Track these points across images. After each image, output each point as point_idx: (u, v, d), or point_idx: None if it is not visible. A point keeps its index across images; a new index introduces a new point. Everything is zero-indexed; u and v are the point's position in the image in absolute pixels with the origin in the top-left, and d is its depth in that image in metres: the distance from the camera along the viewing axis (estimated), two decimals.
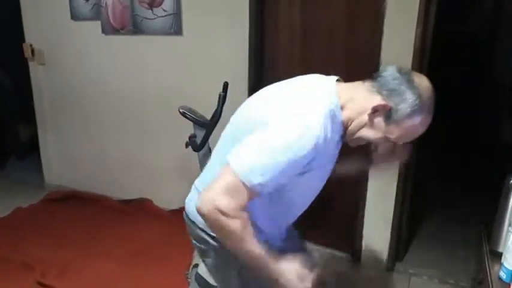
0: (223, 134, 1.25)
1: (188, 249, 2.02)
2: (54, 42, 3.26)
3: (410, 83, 1.01)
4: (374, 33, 2.23)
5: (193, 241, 1.29)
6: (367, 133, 1.08)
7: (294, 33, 2.52)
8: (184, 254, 2.33)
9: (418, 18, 2.12)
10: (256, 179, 0.99)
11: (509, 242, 1.14)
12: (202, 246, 1.25)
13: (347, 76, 2.56)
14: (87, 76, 3.21)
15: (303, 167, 1.04)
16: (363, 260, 2.58)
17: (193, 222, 1.24)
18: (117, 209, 3.17)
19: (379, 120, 1.05)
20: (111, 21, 2.92)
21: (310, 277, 1.08)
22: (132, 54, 2.98)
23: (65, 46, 3.23)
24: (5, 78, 4.03)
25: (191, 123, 2.29)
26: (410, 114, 1.01)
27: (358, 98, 1.08)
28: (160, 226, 2.85)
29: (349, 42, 2.38)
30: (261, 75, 2.63)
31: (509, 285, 1.10)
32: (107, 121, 3.25)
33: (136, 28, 2.85)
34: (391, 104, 1.02)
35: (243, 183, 0.99)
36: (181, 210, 1.34)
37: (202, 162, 2.25)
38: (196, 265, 1.98)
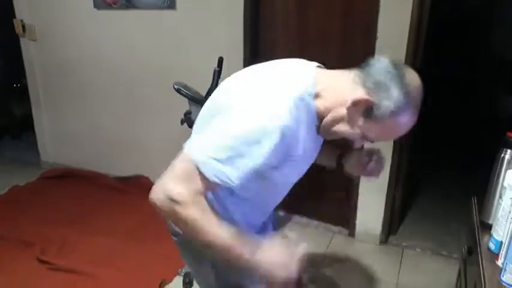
0: (198, 117, 1.13)
1: None
2: (45, 17, 3.20)
3: (400, 78, 0.91)
4: (371, 6, 2.20)
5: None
6: (344, 128, 0.98)
7: (290, 5, 2.48)
8: None
9: None
10: (210, 168, 0.90)
11: (499, 214, 1.16)
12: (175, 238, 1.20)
13: (344, 49, 2.54)
14: (80, 52, 3.16)
15: (270, 161, 0.93)
16: (357, 233, 2.63)
17: None
18: (114, 186, 3.19)
19: (358, 116, 0.95)
20: None
21: (294, 262, 0.96)
22: (125, 29, 2.93)
23: (56, 21, 3.17)
24: None
25: (186, 99, 2.28)
26: (394, 113, 0.91)
27: (338, 88, 0.97)
28: None
29: (346, 13, 2.35)
30: (256, 49, 2.60)
31: (498, 255, 1.13)
32: (101, 97, 3.23)
33: (128, 2, 2.79)
34: (374, 99, 0.91)
35: (199, 171, 0.91)
36: None
37: None
38: None
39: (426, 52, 2.32)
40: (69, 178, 3.35)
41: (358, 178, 2.51)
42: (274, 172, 0.98)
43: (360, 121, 0.96)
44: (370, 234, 2.59)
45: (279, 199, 1.21)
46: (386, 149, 2.37)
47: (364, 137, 0.99)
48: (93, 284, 2.18)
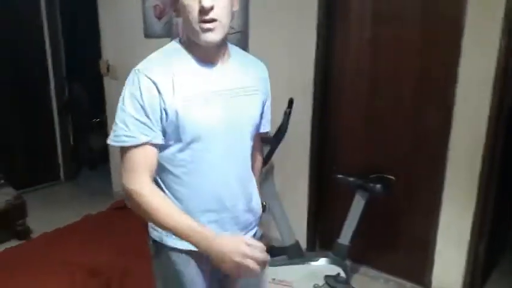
0: None
1: None
2: (127, 58, 3.43)
3: None
4: (451, 51, 2.10)
5: None
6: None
7: (363, 50, 2.46)
8: None
9: (502, 31, 1.96)
10: (123, 137, 1.10)
11: None
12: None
13: (421, 93, 2.42)
14: None
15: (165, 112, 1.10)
16: None
17: None
18: None
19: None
20: None
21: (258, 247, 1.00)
22: None
23: (137, 62, 3.38)
24: (82, 92, 4.33)
25: None
26: None
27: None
28: None
29: (423, 60, 2.27)
30: (326, 91, 2.58)
31: None
32: None
33: None
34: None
35: (125, 148, 1.10)
36: None
37: (264, 178, 2.22)
38: None
39: None
40: None
41: (436, 227, 2.31)
42: (181, 116, 1.10)
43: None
44: None
45: (217, 189, 1.21)
46: (469, 199, 2.17)
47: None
48: None
